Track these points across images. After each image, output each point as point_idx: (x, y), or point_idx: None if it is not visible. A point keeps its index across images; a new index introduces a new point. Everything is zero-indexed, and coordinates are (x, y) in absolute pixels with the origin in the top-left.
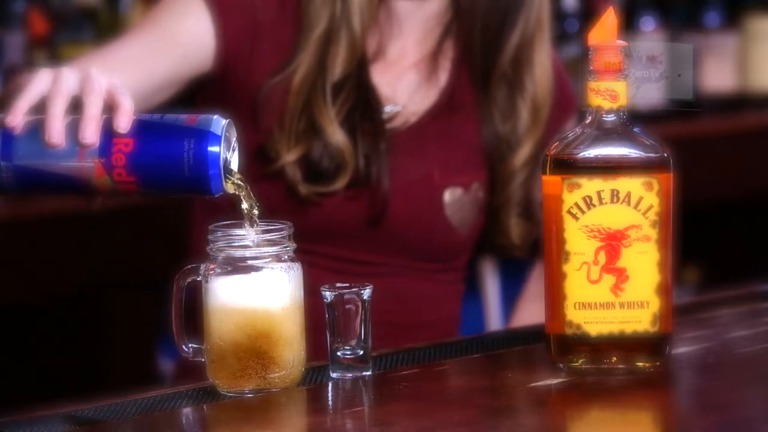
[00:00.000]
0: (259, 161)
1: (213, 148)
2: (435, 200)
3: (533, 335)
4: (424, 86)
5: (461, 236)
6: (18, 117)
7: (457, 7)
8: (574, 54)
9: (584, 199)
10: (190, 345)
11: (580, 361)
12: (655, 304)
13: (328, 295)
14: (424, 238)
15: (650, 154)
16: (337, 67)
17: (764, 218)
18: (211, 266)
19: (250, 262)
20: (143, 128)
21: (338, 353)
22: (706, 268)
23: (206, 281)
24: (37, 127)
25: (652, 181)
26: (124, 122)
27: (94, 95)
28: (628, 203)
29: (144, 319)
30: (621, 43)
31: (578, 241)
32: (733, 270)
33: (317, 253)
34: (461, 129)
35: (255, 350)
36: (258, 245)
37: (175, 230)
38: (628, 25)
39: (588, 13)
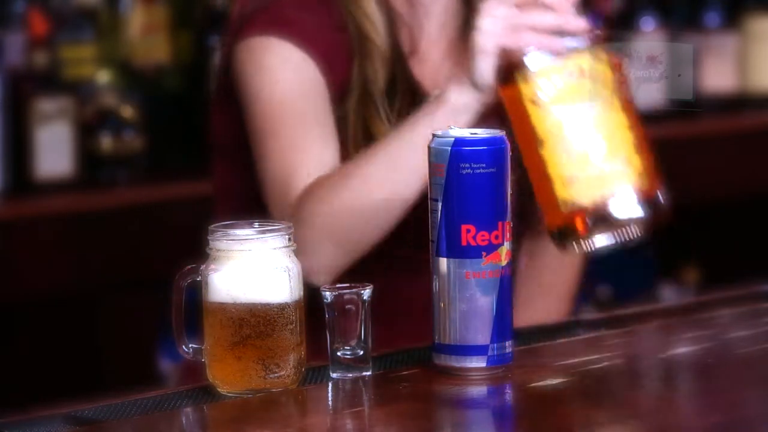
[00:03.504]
0: None
1: None
2: None
3: (533, 335)
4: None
5: None
6: None
7: None
8: None
9: (542, 84)
10: (190, 345)
11: (589, 234)
12: (636, 160)
13: (328, 295)
14: None
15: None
16: (379, 78)
17: (764, 218)
18: (212, 266)
19: (250, 261)
20: None
21: (338, 353)
22: (706, 268)
23: (206, 281)
24: None
25: (599, 53)
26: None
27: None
28: (584, 77)
29: (144, 319)
30: None
31: (546, 123)
32: (733, 270)
33: (391, 256)
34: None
35: (255, 350)
36: (259, 244)
37: (178, 231)
38: (628, 25)
39: (588, 13)
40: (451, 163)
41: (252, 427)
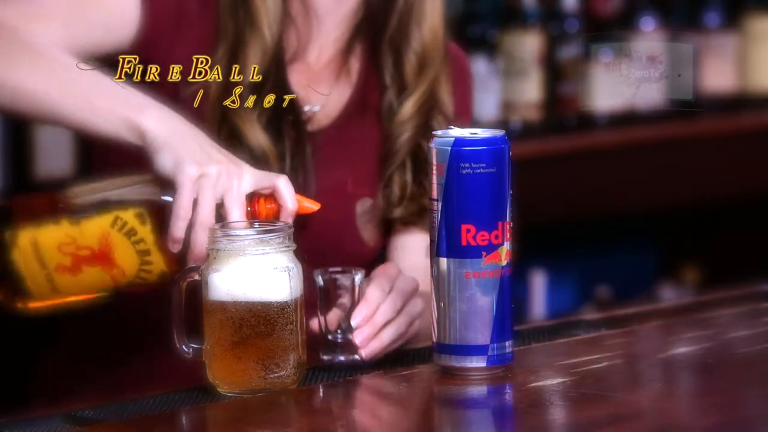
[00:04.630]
0: None
1: None
2: (348, 210)
3: (533, 335)
4: (338, 86)
5: (369, 249)
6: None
7: (368, 4)
8: (574, 54)
9: (130, 230)
10: (190, 345)
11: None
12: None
13: (320, 278)
14: (335, 248)
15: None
16: (248, 68)
17: (764, 218)
18: (212, 266)
19: (250, 261)
20: None
21: (329, 336)
22: (706, 268)
23: (206, 281)
24: None
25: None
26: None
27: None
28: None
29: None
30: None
31: (91, 233)
32: (733, 270)
33: None
34: (373, 134)
35: (255, 350)
36: (259, 244)
37: None
38: (628, 25)
39: (588, 13)
40: (451, 163)
41: (252, 427)
